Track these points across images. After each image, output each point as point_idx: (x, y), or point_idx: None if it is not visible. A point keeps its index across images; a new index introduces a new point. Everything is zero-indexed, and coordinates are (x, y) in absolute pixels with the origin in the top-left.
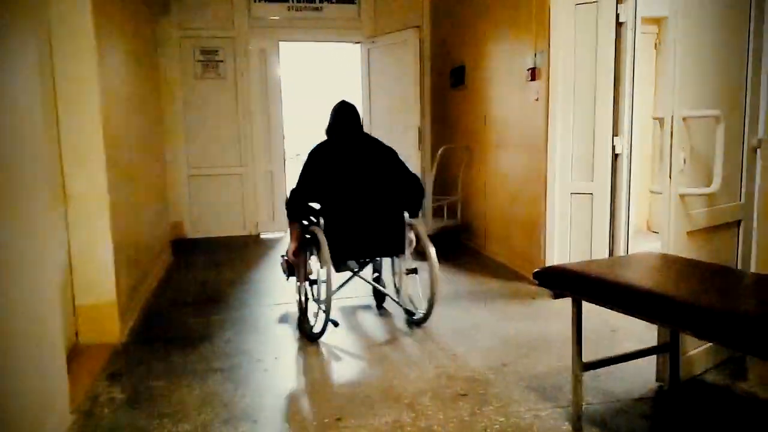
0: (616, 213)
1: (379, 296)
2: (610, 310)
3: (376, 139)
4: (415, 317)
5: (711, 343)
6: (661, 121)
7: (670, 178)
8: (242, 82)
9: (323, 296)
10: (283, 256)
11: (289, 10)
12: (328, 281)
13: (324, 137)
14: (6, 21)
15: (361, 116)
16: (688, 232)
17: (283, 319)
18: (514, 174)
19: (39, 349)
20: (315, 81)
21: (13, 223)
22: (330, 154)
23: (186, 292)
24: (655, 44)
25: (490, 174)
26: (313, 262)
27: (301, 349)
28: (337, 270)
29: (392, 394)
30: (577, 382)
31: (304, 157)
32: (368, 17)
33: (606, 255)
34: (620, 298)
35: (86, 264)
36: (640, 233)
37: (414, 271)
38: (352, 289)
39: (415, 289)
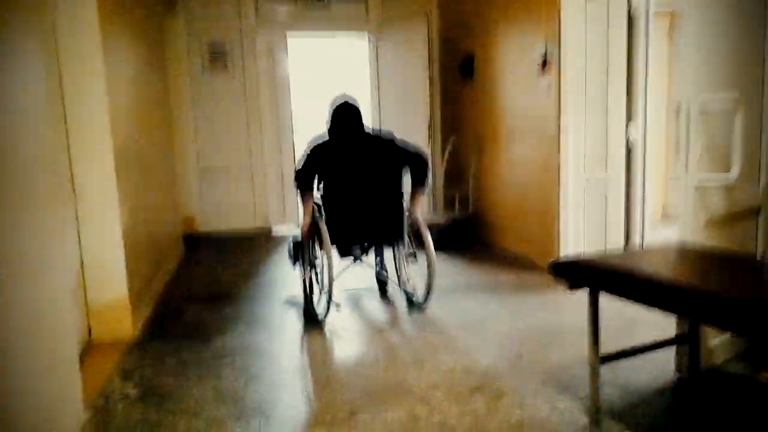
0: (631, 202)
1: (382, 283)
2: (624, 299)
3: (377, 135)
4: (414, 301)
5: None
6: (678, 107)
7: (688, 165)
8: (250, 75)
9: (326, 281)
10: (290, 241)
11: (296, 1)
12: (329, 266)
13: (327, 131)
14: (9, 17)
15: (363, 112)
16: (706, 221)
17: (296, 313)
18: (526, 164)
19: (52, 347)
20: (323, 76)
21: (22, 221)
22: (330, 154)
23: (198, 287)
24: (669, 30)
25: (501, 164)
26: (318, 249)
27: (314, 343)
28: (342, 256)
29: (406, 388)
30: (594, 374)
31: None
32: (376, 8)
33: (621, 244)
34: (641, 291)
35: (97, 261)
36: (654, 221)
37: (413, 256)
38: (358, 278)
39: (414, 275)
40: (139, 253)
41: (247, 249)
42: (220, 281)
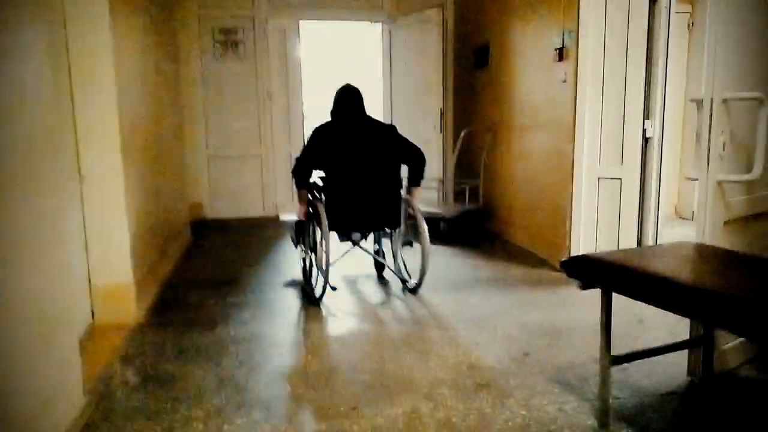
0: (645, 199)
1: (380, 266)
2: (635, 299)
3: (377, 120)
4: (408, 285)
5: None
6: (699, 103)
7: (708, 163)
8: (262, 62)
9: (323, 264)
10: (292, 225)
11: None
12: (326, 249)
13: (330, 113)
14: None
15: (366, 99)
16: (725, 221)
17: (300, 302)
18: (539, 157)
19: (52, 331)
20: (336, 63)
21: (26, 204)
22: (332, 134)
23: (204, 274)
24: (689, 24)
25: (514, 157)
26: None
27: (318, 334)
28: (341, 240)
29: (409, 383)
30: (605, 376)
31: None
32: None
33: (634, 242)
34: (657, 292)
35: (102, 244)
36: (668, 219)
37: (409, 243)
38: (357, 262)
39: (409, 261)
40: (145, 237)
41: (255, 236)
42: (226, 268)
